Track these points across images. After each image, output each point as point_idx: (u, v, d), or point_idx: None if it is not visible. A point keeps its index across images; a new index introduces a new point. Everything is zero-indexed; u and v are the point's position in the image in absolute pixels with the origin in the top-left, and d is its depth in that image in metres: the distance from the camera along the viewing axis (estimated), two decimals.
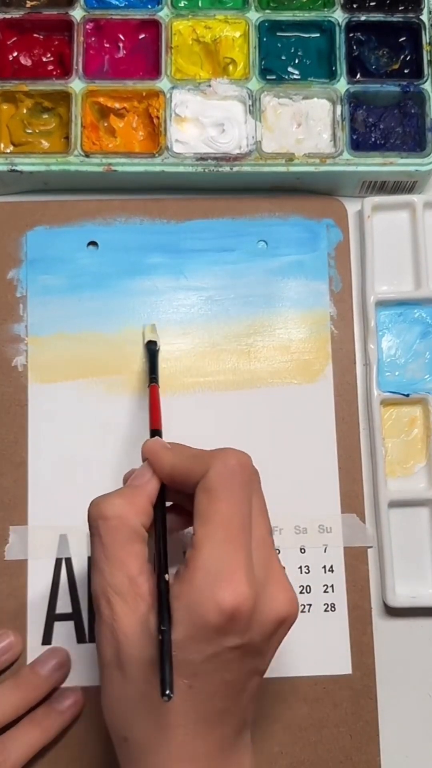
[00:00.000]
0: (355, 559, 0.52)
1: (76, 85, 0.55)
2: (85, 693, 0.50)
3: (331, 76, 0.56)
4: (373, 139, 0.57)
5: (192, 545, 0.39)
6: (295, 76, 0.57)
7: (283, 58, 0.57)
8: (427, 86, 0.56)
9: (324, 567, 0.52)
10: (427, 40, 0.57)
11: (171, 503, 0.45)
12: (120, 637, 0.39)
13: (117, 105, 0.56)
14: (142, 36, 0.57)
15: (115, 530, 0.40)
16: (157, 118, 0.55)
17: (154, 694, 0.37)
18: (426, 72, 0.56)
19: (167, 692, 0.35)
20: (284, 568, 0.41)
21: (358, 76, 0.57)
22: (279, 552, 0.51)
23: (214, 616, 0.37)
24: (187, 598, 0.38)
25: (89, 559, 0.51)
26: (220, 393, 0.54)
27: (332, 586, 0.51)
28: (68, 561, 0.51)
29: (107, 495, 0.42)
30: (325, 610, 0.51)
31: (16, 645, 0.50)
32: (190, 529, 0.40)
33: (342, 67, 0.56)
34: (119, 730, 0.40)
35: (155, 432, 0.47)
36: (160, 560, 0.40)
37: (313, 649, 0.51)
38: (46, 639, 0.50)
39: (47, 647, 0.50)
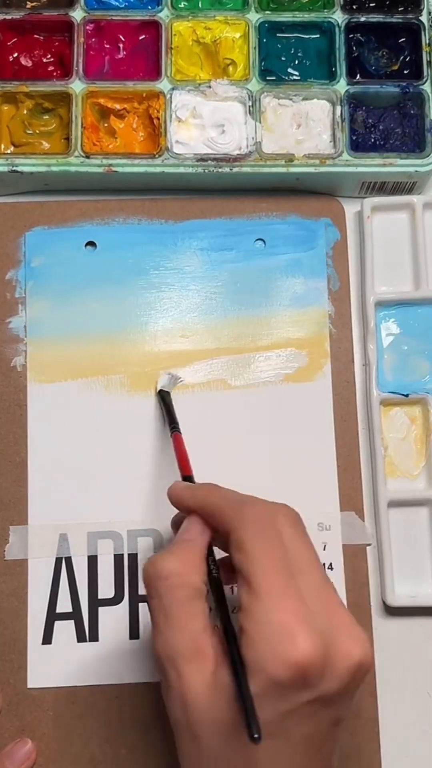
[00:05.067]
0: (354, 557, 0.52)
1: (77, 86, 0.55)
2: (85, 692, 0.50)
3: (331, 77, 0.56)
4: (372, 140, 0.57)
5: (240, 608, 0.37)
6: (294, 77, 0.57)
7: (283, 59, 0.57)
8: (426, 87, 0.56)
9: (323, 565, 0.51)
10: (427, 41, 0.57)
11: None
12: (189, 701, 0.37)
13: (117, 106, 0.56)
14: (142, 37, 0.57)
15: (175, 589, 0.39)
16: (158, 119, 0.55)
17: (230, 756, 0.36)
18: (425, 73, 0.56)
19: (255, 734, 0.33)
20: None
21: (358, 77, 0.57)
22: None
23: (282, 673, 0.35)
24: (251, 658, 0.36)
25: (90, 558, 0.51)
26: (219, 392, 0.54)
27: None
28: (68, 560, 0.51)
29: (162, 554, 0.40)
30: None
31: (33, 752, 0.49)
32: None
33: (342, 68, 0.56)
34: None
35: (187, 478, 0.46)
36: (220, 609, 0.39)
37: None
38: (47, 638, 0.50)
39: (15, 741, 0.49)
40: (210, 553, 0.41)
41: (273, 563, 0.38)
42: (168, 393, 0.53)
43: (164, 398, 0.52)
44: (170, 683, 0.38)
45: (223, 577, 0.41)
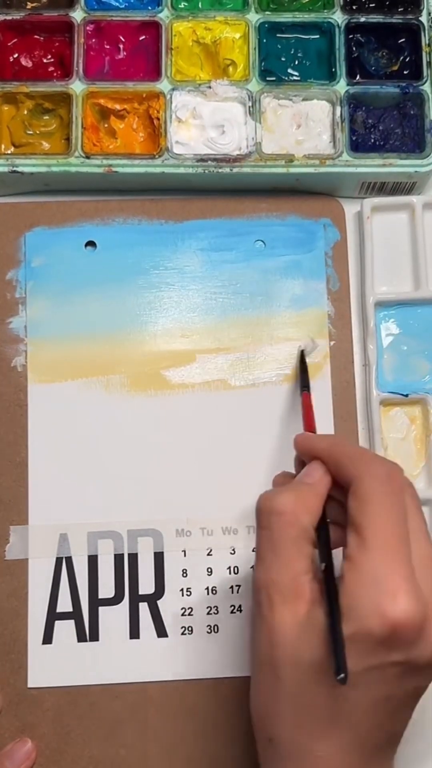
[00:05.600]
0: None
1: (77, 86, 0.55)
2: (85, 692, 0.50)
3: (331, 77, 0.56)
4: (372, 141, 0.57)
5: (346, 556, 0.38)
6: (294, 78, 0.57)
7: (283, 59, 0.57)
8: (426, 87, 0.56)
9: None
10: (427, 42, 0.57)
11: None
12: (278, 637, 0.38)
13: (117, 106, 0.56)
14: (142, 37, 0.57)
15: (287, 526, 0.39)
16: (158, 119, 0.55)
17: (306, 699, 0.36)
18: (425, 73, 0.56)
19: (342, 674, 0.34)
20: None
21: (358, 77, 0.57)
22: None
23: (377, 626, 0.35)
24: (349, 605, 0.36)
25: (90, 557, 0.51)
26: (219, 392, 0.54)
27: None
28: (68, 560, 0.51)
29: (279, 490, 0.41)
30: None
31: (33, 752, 0.49)
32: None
33: (341, 68, 0.56)
34: (265, 731, 0.39)
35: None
36: (327, 553, 0.39)
37: None
38: (47, 638, 0.50)
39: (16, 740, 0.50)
40: (327, 499, 0.41)
41: (390, 521, 0.38)
42: (304, 353, 0.53)
43: (303, 358, 0.53)
44: (263, 616, 0.38)
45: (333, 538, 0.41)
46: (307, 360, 0.54)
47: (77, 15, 0.56)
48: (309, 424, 0.48)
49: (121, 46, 0.57)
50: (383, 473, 0.39)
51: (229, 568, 0.52)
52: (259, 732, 0.40)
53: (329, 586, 0.37)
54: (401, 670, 0.37)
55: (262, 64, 0.56)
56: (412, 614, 0.36)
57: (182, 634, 0.51)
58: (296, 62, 0.57)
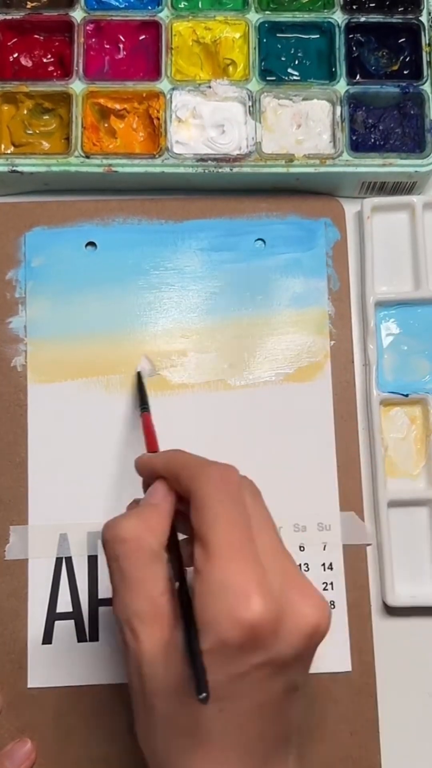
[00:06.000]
0: (354, 556, 0.52)
1: (77, 86, 0.55)
2: (85, 692, 0.50)
3: (331, 77, 0.56)
4: (372, 140, 0.57)
5: (195, 569, 0.37)
6: (294, 77, 0.57)
7: (283, 59, 0.57)
8: (426, 87, 0.56)
9: (323, 564, 0.52)
10: (427, 41, 0.57)
11: None
12: (144, 669, 0.37)
13: (117, 106, 0.56)
14: (142, 37, 0.57)
15: (135, 552, 0.38)
16: (158, 119, 0.55)
17: (183, 721, 0.36)
18: (425, 73, 0.56)
19: (203, 693, 0.33)
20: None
21: (358, 77, 0.57)
22: None
23: (233, 633, 0.35)
24: (203, 618, 0.36)
25: (90, 557, 0.51)
26: (219, 392, 0.54)
27: (331, 583, 0.51)
28: (68, 560, 0.51)
29: (122, 516, 0.40)
30: None
31: (33, 752, 0.49)
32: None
33: (342, 68, 0.56)
34: (154, 759, 0.39)
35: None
36: (178, 571, 0.39)
37: None
38: (47, 638, 0.50)
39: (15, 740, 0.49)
40: (177, 515, 0.41)
41: (231, 524, 0.38)
42: (141, 375, 0.53)
43: (140, 379, 0.52)
44: (129, 648, 0.38)
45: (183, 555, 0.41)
46: (307, 360, 0.54)
47: (77, 14, 0.56)
48: (151, 444, 0.47)
49: (121, 46, 0.57)
50: (216, 477, 0.39)
51: None
52: (150, 762, 0.39)
53: (183, 604, 0.37)
54: (267, 672, 0.36)
55: (262, 63, 0.56)
56: (265, 614, 0.35)
57: None
58: (296, 62, 0.57)
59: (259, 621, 0.35)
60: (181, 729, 0.36)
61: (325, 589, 0.51)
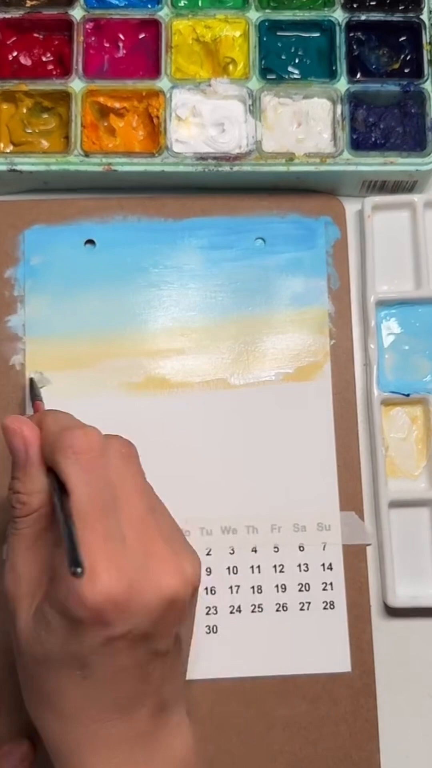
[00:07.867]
0: (354, 556, 0.52)
1: (76, 84, 0.55)
2: None
3: (332, 75, 0.56)
4: (373, 139, 0.56)
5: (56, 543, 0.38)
6: (295, 76, 0.57)
7: (283, 57, 0.57)
8: (427, 86, 0.56)
9: (323, 565, 0.51)
10: (428, 40, 0.57)
11: None
12: (19, 635, 0.39)
13: (117, 104, 0.56)
14: (142, 35, 0.57)
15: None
16: (157, 117, 0.55)
17: (48, 688, 0.37)
18: (426, 71, 0.56)
19: (76, 568, 0.33)
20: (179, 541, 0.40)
21: (359, 75, 0.57)
22: (277, 549, 0.51)
23: (80, 611, 0.35)
24: (53, 596, 0.36)
25: None
26: (219, 392, 0.54)
27: (331, 583, 0.51)
28: None
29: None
30: (324, 608, 0.51)
31: (30, 753, 0.49)
32: None
33: (342, 66, 0.56)
34: (40, 732, 0.40)
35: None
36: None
37: (312, 647, 0.51)
38: None
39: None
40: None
41: (87, 496, 0.37)
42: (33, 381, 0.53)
43: (33, 385, 0.52)
44: (13, 621, 0.39)
45: None
46: (308, 360, 0.54)
47: (77, 13, 0.56)
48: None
49: (121, 44, 0.57)
50: (75, 446, 0.38)
51: (228, 568, 0.51)
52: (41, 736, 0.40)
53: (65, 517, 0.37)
54: (127, 642, 0.36)
55: (263, 62, 0.56)
56: (108, 589, 0.35)
57: None
58: (296, 60, 0.57)
59: (104, 600, 0.35)
60: (50, 697, 0.37)
61: (324, 590, 0.51)
